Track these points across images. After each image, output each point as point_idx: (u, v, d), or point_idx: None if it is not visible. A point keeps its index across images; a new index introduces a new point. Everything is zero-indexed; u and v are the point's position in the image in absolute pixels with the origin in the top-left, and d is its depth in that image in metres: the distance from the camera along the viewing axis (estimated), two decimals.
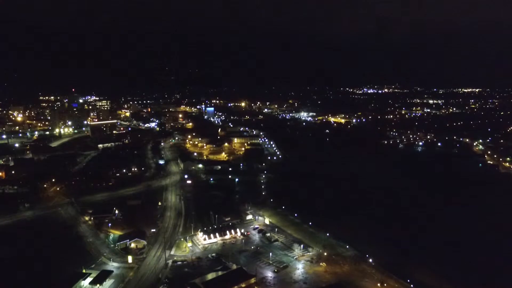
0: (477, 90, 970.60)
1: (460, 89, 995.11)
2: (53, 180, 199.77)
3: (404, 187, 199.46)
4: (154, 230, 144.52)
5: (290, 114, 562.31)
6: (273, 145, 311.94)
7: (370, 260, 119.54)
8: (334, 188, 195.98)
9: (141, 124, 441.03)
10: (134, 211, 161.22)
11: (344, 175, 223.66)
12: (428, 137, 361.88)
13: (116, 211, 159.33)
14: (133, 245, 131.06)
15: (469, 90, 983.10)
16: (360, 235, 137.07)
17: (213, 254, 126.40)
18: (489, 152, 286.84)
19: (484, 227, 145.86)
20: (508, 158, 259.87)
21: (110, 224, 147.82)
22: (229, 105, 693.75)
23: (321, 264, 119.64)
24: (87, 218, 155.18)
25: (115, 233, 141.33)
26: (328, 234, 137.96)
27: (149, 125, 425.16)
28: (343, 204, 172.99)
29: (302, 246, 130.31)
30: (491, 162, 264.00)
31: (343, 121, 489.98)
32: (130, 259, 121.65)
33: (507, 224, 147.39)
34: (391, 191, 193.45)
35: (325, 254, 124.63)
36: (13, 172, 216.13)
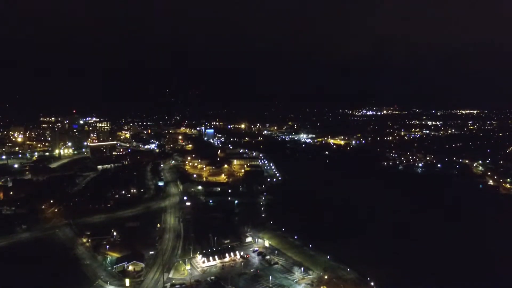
0: (475, 111, 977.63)
1: (458, 111, 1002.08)
2: (52, 201, 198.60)
3: (404, 209, 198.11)
4: (152, 252, 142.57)
5: (290, 136, 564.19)
6: (273, 167, 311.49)
7: (372, 283, 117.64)
8: (335, 210, 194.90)
9: (141, 145, 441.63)
10: (132, 233, 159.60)
11: (344, 196, 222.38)
12: (428, 158, 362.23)
13: (114, 233, 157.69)
14: (130, 267, 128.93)
15: (467, 111, 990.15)
16: (361, 257, 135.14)
17: (212, 277, 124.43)
18: (489, 173, 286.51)
19: (487, 249, 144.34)
20: (508, 180, 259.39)
21: (107, 246, 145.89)
22: (229, 127, 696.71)
23: (321, 287, 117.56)
24: (84, 240, 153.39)
25: (112, 255, 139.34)
26: (328, 257, 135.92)
27: (149, 147, 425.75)
28: (343, 226, 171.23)
29: (302, 269, 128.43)
30: (492, 184, 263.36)
31: (342, 142, 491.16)
32: (127, 282, 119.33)
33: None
34: (392, 213, 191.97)
35: (326, 277, 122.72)
36: (11, 193, 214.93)
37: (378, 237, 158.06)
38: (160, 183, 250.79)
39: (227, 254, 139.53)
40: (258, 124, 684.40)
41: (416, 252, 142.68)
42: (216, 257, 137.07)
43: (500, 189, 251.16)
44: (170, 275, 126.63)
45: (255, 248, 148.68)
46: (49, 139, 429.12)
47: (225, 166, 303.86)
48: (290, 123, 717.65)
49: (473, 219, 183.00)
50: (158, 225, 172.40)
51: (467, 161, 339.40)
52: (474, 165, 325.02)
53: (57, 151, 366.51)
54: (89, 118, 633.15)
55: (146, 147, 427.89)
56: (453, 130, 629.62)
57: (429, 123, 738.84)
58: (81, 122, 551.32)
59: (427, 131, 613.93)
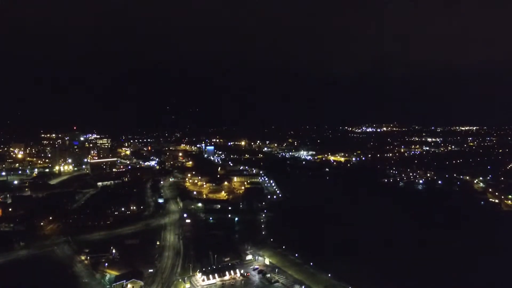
0: (474, 128, 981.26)
1: (457, 127, 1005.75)
2: (51, 218, 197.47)
3: (405, 226, 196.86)
4: (151, 270, 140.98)
5: (290, 153, 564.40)
6: (273, 184, 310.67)
7: None
8: (335, 228, 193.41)
9: (141, 162, 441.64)
10: (131, 251, 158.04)
11: (345, 213, 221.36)
12: (428, 175, 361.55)
13: (113, 250, 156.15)
14: (129, 286, 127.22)
15: (466, 128, 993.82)
16: (362, 275, 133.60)
17: None
18: (490, 190, 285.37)
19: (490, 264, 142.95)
20: (510, 196, 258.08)
21: (106, 264, 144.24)
22: (229, 144, 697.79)
23: None
24: (83, 258, 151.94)
25: (111, 273, 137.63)
26: (329, 275, 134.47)
27: (149, 164, 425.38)
28: (344, 243, 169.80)
29: (303, 287, 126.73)
30: (493, 200, 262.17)
31: (342, 159, 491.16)
32: None
33: None
34: (393, 230, 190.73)
35: None
36: (10, 209, 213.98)
37: (379, 254, 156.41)
38: (160, 200, 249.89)
39: (227, 272, 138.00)
40: (258, 141, 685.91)
41: (417, 270, 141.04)
42: (216, 275, 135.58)
43: (502, 205, 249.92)
44: None
45: (256, 266, 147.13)
46: (49, 155, 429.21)
47: (225, 183, 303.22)
48: (290, 140, 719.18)
49: (474, 236, 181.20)
50: (158, 243, 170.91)
51: (467, 177, 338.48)
52: (475, 181, 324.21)
53: (57, 167, 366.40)
54: (90, 135, 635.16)
55: (146, 164, 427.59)
56: (453, 147, 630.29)
57: (429, 139, 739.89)
58: (82, 138, 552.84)
59: (427, 148, 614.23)
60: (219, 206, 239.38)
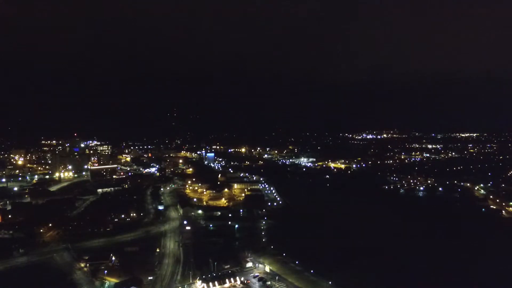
0: (474, 134, 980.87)
1: (458, 134, 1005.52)
2: (50, 225, 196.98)
3: (407, 234, 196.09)
4: (151, 277, 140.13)
5: (290, 160, 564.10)
6: (274, 191, 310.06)
7: None
8: (336, 235, 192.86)
9: (141, 169, 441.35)
10: (131, 258, 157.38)
11: (346, 220, 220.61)
12: (429, 182, 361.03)
13: (113, 258, 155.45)
14: None
15: (467, 134, 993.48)
16: (364, 283, 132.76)
17: None
18: (491, 197, 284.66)
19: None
20: (511, 203, 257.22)
21: (106, 271, 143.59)
22: (230, 150, 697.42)
23: None
24: (82, 265, 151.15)
25: (111, 280, 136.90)
26: (330, 283, 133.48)
27: (149, 170, 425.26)
28: (345, 250, 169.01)
29: None
30: (494, 207, 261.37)
31: (343, 166, 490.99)
32: None
33: None
34: (394, 238, 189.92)
35: None
36: (9, 216, 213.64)
37: (380, 262, 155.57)
38: (160, 207, 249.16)
39: (227, 280, 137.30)
40: (258, 148, 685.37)
41: (417, 278, 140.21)
42: (216, 282, 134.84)
43: (503, 212, 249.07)
44: None
45: (256, 274, 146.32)
46: (49, 162, 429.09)
47: (226, 190, 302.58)
48: (290, 147, 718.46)
49: (476, 244, 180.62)
50: (158, 250, 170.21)
51: (468, 184, 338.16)
52: (476, 188, 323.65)
53: (57, 174, 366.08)
54: (90, 141, 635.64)
55: (146, 170, 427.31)
56: (453, 154, 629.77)
57: (429, 146, 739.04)
58: (82, 145, 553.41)
59: (428, 155, 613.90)
60: (219, 213, 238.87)
